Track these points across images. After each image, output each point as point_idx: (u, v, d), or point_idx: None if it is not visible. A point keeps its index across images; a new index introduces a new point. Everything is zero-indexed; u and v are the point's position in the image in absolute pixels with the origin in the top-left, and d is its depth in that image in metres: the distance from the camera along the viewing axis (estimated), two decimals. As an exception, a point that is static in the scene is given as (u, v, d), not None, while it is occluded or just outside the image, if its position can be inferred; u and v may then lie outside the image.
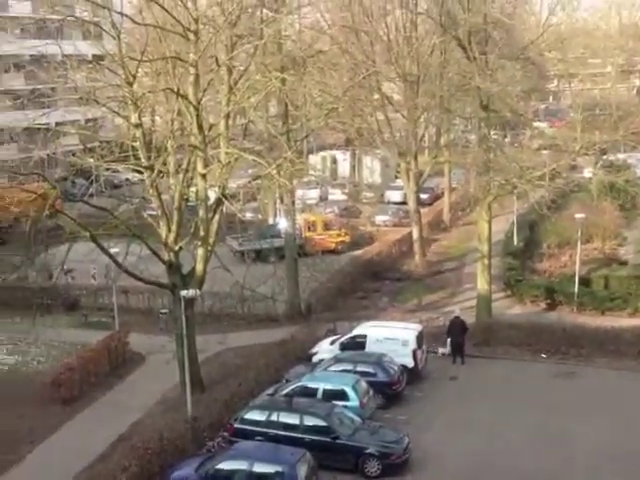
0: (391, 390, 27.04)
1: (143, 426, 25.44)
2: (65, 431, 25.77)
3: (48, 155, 31.31)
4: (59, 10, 29.67)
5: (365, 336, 29.70)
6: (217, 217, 28.28)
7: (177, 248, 27.55)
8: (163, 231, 27.58)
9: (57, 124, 34.84)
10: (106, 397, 28.42)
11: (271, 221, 50.24)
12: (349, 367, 27.31)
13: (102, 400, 28.17)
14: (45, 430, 25.67)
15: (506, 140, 50.34)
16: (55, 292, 34.57)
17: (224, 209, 29.57)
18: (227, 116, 28.21)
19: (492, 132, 36.75)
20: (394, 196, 61.73)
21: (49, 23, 32.31)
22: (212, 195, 28.85)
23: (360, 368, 27.21)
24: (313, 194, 60.12)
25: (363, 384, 25.90)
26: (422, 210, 48.49)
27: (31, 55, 33.94)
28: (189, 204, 30.21)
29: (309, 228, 48.40)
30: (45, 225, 27.39)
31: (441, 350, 31.35)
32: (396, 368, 27.71)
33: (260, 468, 20.43)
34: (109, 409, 27.11)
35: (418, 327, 30.60)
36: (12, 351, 32.68)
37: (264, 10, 31.97)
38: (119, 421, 25.74)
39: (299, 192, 46.47)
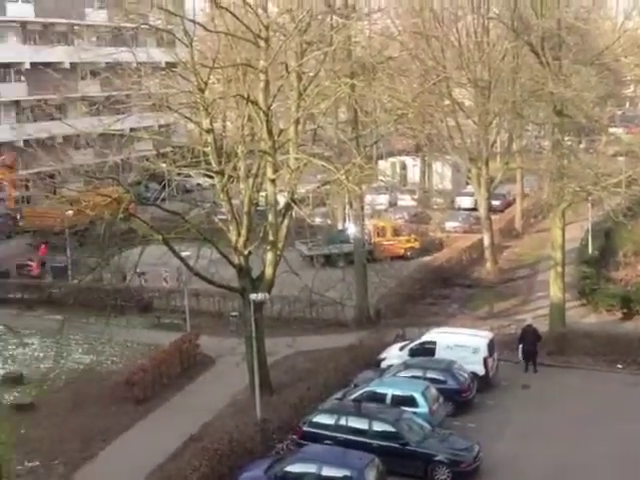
0: (461, 397, 26.72)
1: (213, 427, 25.69)
2: (137, 430, 26.21)
3: (122, 160, 31.88)
4: (133, 18, 30.20)
5: (435, 342, 29.44)
6: (286, 222, 28.44)
7: (247, 252, 27.81)
8: (233, 235, 27.87)
9: (131, 130, 35.57)
10: (177, 398, 28.81)
11: (340, 226, 50.27)
12: (418, 373, 27.09)
13: (173, 401, 28.57)
14: (118, 428, 26.17)
15: (581, 146, 49.32)
16: (128, 294, 35.21)
17: (293, 214, 29.75)
18: (296, 122, 28.38)
19: (566, 138, 36.08)
20: (465, 202, 61.13)
21: (124, 31, 32.93)
22: (281, 200, 29.06)
23: (430, 375, 26.95)
24: (382, 200, 59.94)
25: (433, 391, 25.66)
26: (493, 217, 47.87)
27: (106, 62, 34.63)
28: (259, 209, 30.47)
29: (378, 234, 48.26)
30: (119, 228, 27.96)
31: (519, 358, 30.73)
32: (466, 375, 27.37)
33: (328, 472, 20.43)
34: (180, 410, 27.47)
35: (489, 334, 30.19)
36: (87, 350, 33.44)
37: (334, 17, 32.05)
38: (190, 422, 26.04)
39: (368, 198, 46.37)
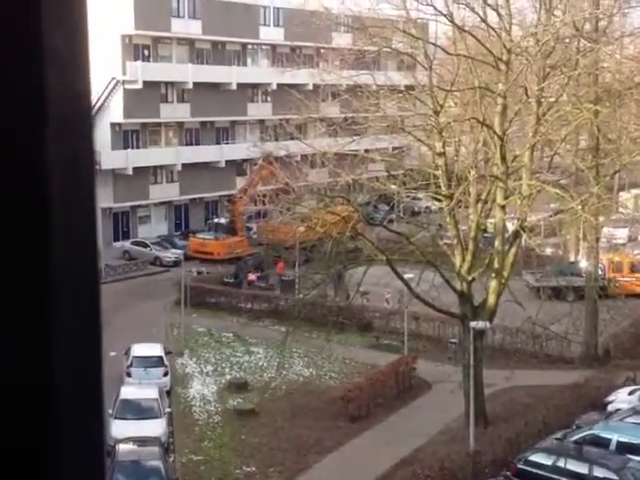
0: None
1: (425, 453, 25.39)
2: (350, 447, 26.44)
3: (354, 180, 32.57)
4: (376, 42, 30.84)
5: (669, 390, 27.37)
6: (514, 250, 27.66)
7: (470, 278, 27.30)
8: (457, 260, 27.47)
9: (365, 151, 36.19)
10: (391, 419, 28.77)
11: (572, 259, 48.23)
12: (648, 421, 25.28)
13: (387, 422, 28.55)
14: (332, 443, 26.56)
15: None
16: (350, 312, 35.70)
17: (522, 242, 28.85)
18: (532, 148, 27.60)
19: None
20: None
21: (366, 54, 33.68)
22: (510, 227, 28.26)
23: (661, 424, 25.06)
24: (621, 233, 56.82)
25: (663, 441, 23.80)
26: None
27: (347, 85, 35.61)
28: (485, 235, 29.86)
29: (613, 269, 45.77)
30: (345, 246, 28.51)
31: None
32: None
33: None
34: (393, 432, 27.38)
35: None
36: (307, 364, 34.32)
37: (581, 40, 30.94)
38: (402, 445, 25.89)
39: (605, 230, 44.16)
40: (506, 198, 26.99)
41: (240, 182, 59.60)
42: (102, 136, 51.95)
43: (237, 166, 62.55)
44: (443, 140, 27.22)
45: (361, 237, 28.53)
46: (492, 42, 28.48)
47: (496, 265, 27.21)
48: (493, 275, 27.42)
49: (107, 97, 53.67)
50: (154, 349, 31.61)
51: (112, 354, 29.54)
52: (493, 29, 27.85)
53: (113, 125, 54.71)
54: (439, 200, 29.14)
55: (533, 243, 29.28)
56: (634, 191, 66.75)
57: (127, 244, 53.72)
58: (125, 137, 56.52)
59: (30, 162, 0.93)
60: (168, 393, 29.57)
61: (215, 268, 48.56)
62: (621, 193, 61.85)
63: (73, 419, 0.96)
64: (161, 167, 58.64)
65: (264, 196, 38.23)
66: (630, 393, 28.58)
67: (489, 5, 28.06)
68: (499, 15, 27.75)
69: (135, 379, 29.49)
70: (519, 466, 22.87)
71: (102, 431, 1.04)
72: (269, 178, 45.66)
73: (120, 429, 24.20)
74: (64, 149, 0.96)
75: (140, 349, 31.08)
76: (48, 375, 0.93)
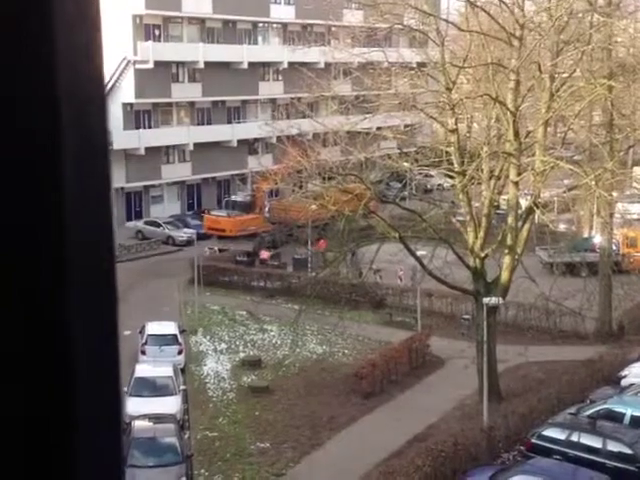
0: None
1: (438, 429, 25.49)
2: (363, 423, 26.56)
3: (366, 158, 32.51)
4: (388, 18, 30.67)
5: (683, 364, 27.36)
6: (527, 226, 27.61)
7: (483, 255, 27.30)
8: (470, 237, 27.46)
9: (377, 129, 36.08)
10: (404, 396, 28.88)
11: (585, 234, 48.12)
12: (662, 395, 25.32)
13: (400, 398, 28.67)
14: (345, 420, 26.66)
15: None
16: (363, 289, 35.76)
17: (535, 218, 28.78)
18: (546, 123, 27.45)
19: None
20: None
21: (378, 31, 33.50)
22: (523, 203, 28.18)
23: (675, 398, 25.09)
24: (635, 209, 56.52)
25: (676, 415, 23.84)
26: None
27: (358, 62, 35.47)
28: (498, 212, 29.80)
29: (627, 244, 45.66)
30: (358, 224, 28.53)
31: None
32: None
33: (554, 488, 19.62)
34: (406, 408, 27.50)
35: None
36: (321, 341, 34.45)
37: (595, 15, 30.68)
38: (415, 421, 26.01)
39: (619, 206, 43.97)
40: (519, 174, 26.92)
41: (252, 161, 59.58)
42: (114, 116, 52.01)
43: (249, 145, 62.51)
44: (455, 117, 27.14)
45: (374, 215, 28.55)
46: (505, 18, 28.30)
47: (509, 241, 27.19)
48: (506, 251, 27.41)
49: (118, 77, 53.64)
50: (168, 327, 31.79)
51: (127, 332, 29.72)
52: (506, 4, 27.66)
53: (125, 105, 54.74)
54: (452, 177, 29.10)
55: (546, 219, 29.22)
56: (648, 166, 66.26)
57: (140, 224, 53.92)
58: (137, 117, 56.55)
59: (42, 143, 0.90)
60: (182, 371, 29.76)
61: (228, 245, 48.73)
62: (635, 168, 61.22)
63: (90, 402, 0.96)
64: (173, 147, 58.69)
65: (276, 174, 38.19)
66: (644, 368, 28.61)
67: (502, -20, 27.86)
68: (512, -10, 27.57)
69: (150, 357, 29.71)
70: (533, 441, 22.97)
71: (119, 415, 1.03)
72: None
73: (135, 406, 24.41)
74: (77, 129, 0.93)
75: (154, 327, 31.27)
76: (65, 360, 0.93)
